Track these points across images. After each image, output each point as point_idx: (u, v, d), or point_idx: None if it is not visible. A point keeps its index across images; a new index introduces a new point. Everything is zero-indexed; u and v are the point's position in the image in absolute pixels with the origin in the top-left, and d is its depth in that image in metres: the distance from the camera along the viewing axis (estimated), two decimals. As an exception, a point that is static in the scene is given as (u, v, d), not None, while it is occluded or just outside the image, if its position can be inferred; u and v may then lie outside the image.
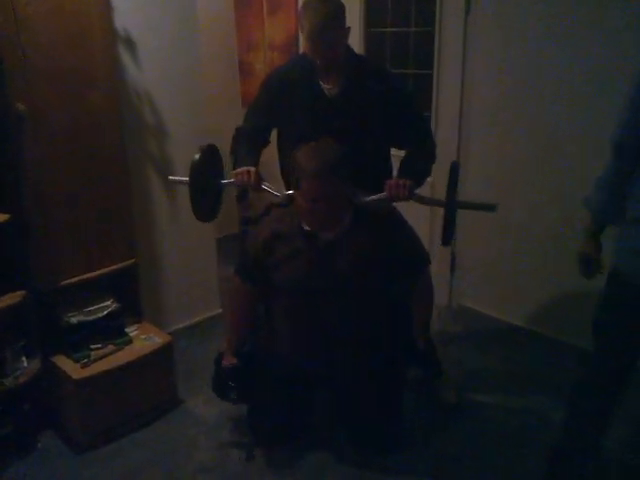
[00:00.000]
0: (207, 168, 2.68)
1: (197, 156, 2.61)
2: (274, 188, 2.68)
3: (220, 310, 4.20)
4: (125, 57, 3.29)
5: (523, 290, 3.93)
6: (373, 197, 2.50)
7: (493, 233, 3.92)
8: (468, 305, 4.23)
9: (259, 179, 2.67)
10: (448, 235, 2.46)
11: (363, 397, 2.74)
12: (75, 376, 2.87)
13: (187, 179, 2.65)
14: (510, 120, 3.66)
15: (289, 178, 2.52)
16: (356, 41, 4.26)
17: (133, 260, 3.22)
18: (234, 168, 2.77)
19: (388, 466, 2.80)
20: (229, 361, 2.62)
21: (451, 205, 2.39)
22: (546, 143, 3.51)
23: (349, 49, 2.77)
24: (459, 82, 3.88)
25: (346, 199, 2.37)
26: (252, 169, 2.67)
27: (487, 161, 3.83)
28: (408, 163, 2.72)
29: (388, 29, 4.28)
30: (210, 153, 2.69)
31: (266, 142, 2.95)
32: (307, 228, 2.42)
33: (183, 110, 3.67)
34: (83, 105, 2.88)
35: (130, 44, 3.28)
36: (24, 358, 2.91)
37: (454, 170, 2.47)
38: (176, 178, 2.86)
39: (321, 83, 2.73)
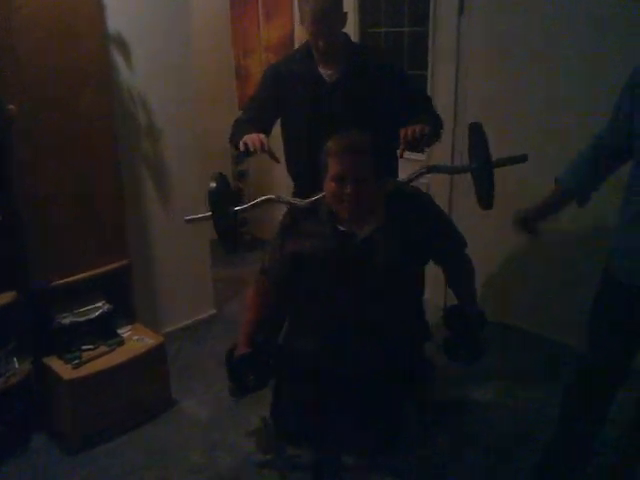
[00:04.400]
0: (221, 196, 2.48)
1: (213, 184, 2.41)
2: (296, 200, 2.53)
3: (214, 311, 4.19)
4: (117, 58, 3.29)
5: (520, 290, 3.93)
6: (408, 176, 2.43)
7: (491, 232, 3.90)
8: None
9: (267, 146, 2.56)
10: (490, 197, 2.36)
11: (382, 396, 2.69)
12: (66, 377, 2.86)
13: (208, 214, 2.45)
14: (505, 120, 3.65)
15: (295, 169, 2.61)
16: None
17: (126, 261, 3.21)
18: (236, 148, 2.71)
19: (384, 464, 2.80)
20: (239, 353, 2.51)
21: (489, 163, 2.30)
22: (541, 143, 3.50)
23: (346, 35, 2.82)
24: (453, 82, 3.87)
25: (375, 185, 2.24)
26: (261, 135, 2.57)
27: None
28: (417, 117, 2.64)
29: (382, 29, 4.28)
30: (221, 180, 2.47)
31: (268, 132, 2.87)
32: (341, 228, 2.30)
33: (176, 111, 3.67)
34: (75, 105, 2.87)
35: (123, 45, 3.28)
36: (15, 359, 2.90)
37: (478, 129, 2.36)
38: (195, 216, 2.59)
39: (320, 70, 2.76)
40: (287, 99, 2.83)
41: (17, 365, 2.90)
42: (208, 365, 3.57)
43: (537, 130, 3.52)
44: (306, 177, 2.73)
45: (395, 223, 2.29)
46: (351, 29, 4.26)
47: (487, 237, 3.95)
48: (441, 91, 3.97)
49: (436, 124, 2.76)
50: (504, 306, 3.98)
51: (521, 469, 2.73)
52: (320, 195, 2.33)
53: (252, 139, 2.54)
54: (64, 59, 2.80)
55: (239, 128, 2.79)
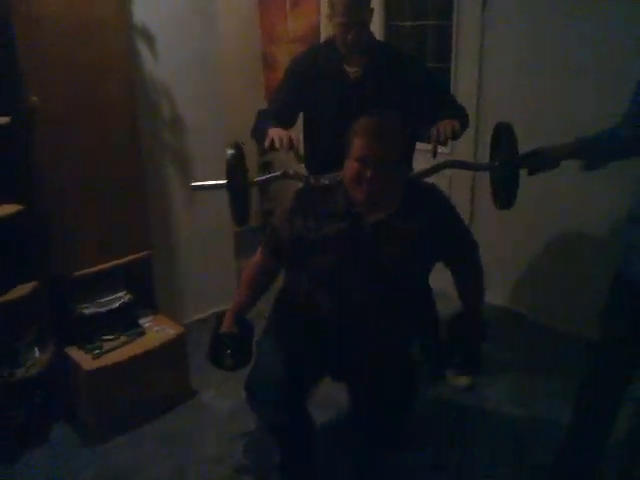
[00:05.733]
0: (237, 167, 2.48)
1: (230, 152, 2.41)
2: (313, 179, 2.53)
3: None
4: (142, 49, 3.30)
5: (532, 281, 3.92)
6: (426, 168, 2.44)
7: (503, 223, 3.88)
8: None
9: (297, 145, 2.54)
10: (512, 197, 2.38)
11: (384, 386, 2.66)
12: (87, 367, 2.88)
13: (224, 182, 2.44)
14: (528, 114, 3.62)
15: (315, 164, 2.57)
16: (376, 34, 4.17)
17: (148, 251, 3.22)
18: (260, 144, 2.68)
19: (396, 456, 2.81)
20: (228, 328, 2.48)
21: (514, 164, 2.32)
22: (566, 136, 3.45)
23: (371, 33, 2.81)
24: (476, 75, 3.85)
25: (397, 173, 2.20)
26: (290, 132, 2.55)
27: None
28: (444, 112, 2.66)
29: (407, 23, 4.24)
30: (238, 150, 2.47)
31: (291, 126, 2.86)
32: (354, 209, 2.24)
33: (201, 102, 3.67)
34: (98, 97, 2.88)
35: (147, 36, 3.28)
36: (36, 349, 2.93)
37: (507, 129, 2.37)
38: (204, 183, 2.55)
39: (345, 67, 2.77)
40: (311, 95, 2.83)
41: (38, 355, 2.92)
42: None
43: (563, 125, 3.47)
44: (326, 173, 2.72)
45: (408, 213, 2.25)
46: (375, 22, 4.23)
47: (497, 227, 3.93)
48: (464, 85, 3.94)
49: (463, 118, 2.74)
50: (518, 297, 4.00)
51: (529, 461, 2.73)
52: (337, 174, 2.30)
53: (279, 135, 2.51)
54: (87, 50, 2.80)
55: (262, 122, 2.78)
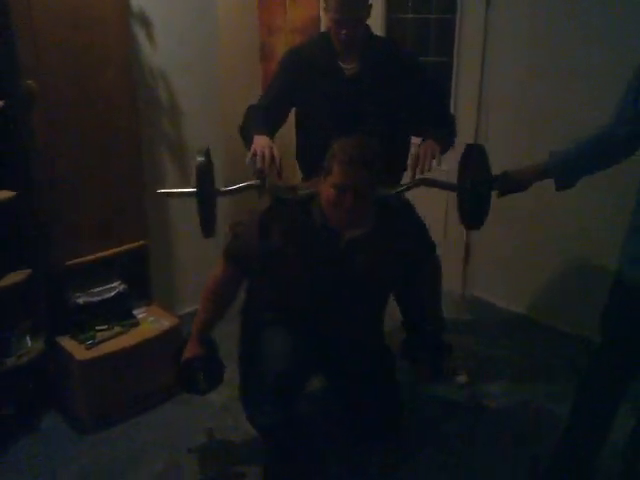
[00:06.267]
0: (207, 174, 2.39)
1: (201, 159, 2.32)
2: (287, 192, 2.42)
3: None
4: (140, 35, 3.25)
5: (536, 282, 3.90)
6: (395, 188, 2.43)
7: (508, 224, 3.87)
8: (481, 296, 4.19)
9: (279, 168, 2.46)
10: (483, 217, 2.41)
11: (363, 382, 2.66)
12: (79, 357, 2.85)
13: (193, 190, 2.35)
14: (530, 109, 3.60)
15: (307, 161, 2.53)
16: (377, 26, 4.18)
17: (143, 241, 3.19)
18: (246, 145, 2.60)
19: (398, 452, 2.81)
20: (194, 352, 2.42)
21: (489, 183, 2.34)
22: (567, 134, 3.43)
23: (368, 28, 2.75)
24: (479, 70, 3.81)
25: (373, 197, 2.23)
26: (275, 150, 2.45)
27: (505, 151, 3.75)
28: (430, 130, 2.65)
29: (409, 15, 4.20)
30: (207, 157, 2.38)
31: (282, 121, 2.85)
32: (330, 226, 2.25)
33: (198, 90, 3.63)
34: (95, 83, 2.84)
35: (145, 22, 3.24)
36: (28, 338, 2.89)
37: (479, 151, 2.38)
38: (172, 190, 2.53)
39: (340, 63, 2.71)
40: (305, 90, 2.77)
41: (30, 344, 2.88)
42: (223, 348, 3.54)
43: (564, 121, 3.45)
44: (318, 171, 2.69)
45: (382, 230, 2.30)
46: (376, 14, 4.20)
47: (502, 228, 3.91)
48: (466, 80, 3.92)
49: (449, 135, 2.74)
50: (522, 298, 3.97)
51: (531, 460, 2.72)
52: (313, 190, 2.28)
53: (262, 149, 2.43)
54: (84, 36, 2.76)
55: (252, 119, 2.73)
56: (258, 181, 2.43)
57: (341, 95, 2.70)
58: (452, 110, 3.97)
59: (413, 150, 2.54)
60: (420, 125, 2.78)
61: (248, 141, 2.56)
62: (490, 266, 4.08)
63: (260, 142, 2.48)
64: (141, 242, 3.17)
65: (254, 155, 2.43)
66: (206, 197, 2.33)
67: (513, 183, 2.41)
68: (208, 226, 2.42)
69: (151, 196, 3.33)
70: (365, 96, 2.69)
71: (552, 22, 3.43)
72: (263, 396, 2.34)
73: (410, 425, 2.95)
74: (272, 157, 2.42)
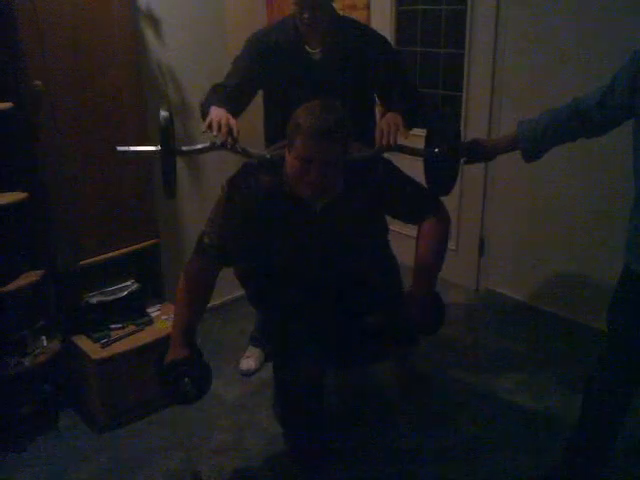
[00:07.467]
0: (169, 132, 2.19)
1: (166, 114, 2.13)
2: (255, 151, 2.30)
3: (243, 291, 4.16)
4: (147, 33, 3.26)
5: (551, 275, 3.87)
6: (363, 154, 2.33)
7: (522, 218, 3.86)
8: (496, 289, 4.17)
9: (236, 136, 2.28)
10: (451, 184, 2.40)
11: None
12: (94, 356, 2.86)
13: (153, 148, 2.20)
14: (543, 100, 3.55)
15: (279, 139, 2.38)
16: (387, 18, 4.18)
17: (155, 240, 3.20)
18: (204, 119, 2.43)
19: (408, 445, 2.81)
20: (180, 353, 2.21)
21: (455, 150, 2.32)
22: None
23: (333, 12, 2.73)
24: (491, 62, 3.77)
25: (341, 164, 2.10)
26: (231, 119, 2.31)
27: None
28: (394, 103, 2.61)
29: (419, 7, 4.18)
30: (170, 114, 2.20)
31: (245, 104, 2.76)
32: (301, 196, 2.14)
33: (208, 87, 3.61)
34: (103, 82, 2.84)
35: (152, 19, 3.24)
36: (44, 337, 2.91)
37: (451, 116, 2.43)
38: (133, 148, 2.32)
39: (306, 46, 2.70)
40: (272, 74, 2.73)
41: (45, 343, 2.90)
42: (236, 345, 3.56)
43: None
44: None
45: (353, 193, 2.22)
46: (387, 6, 4.20)
47: (516, 222, 3.90)
48: (478, 72, 3.88)
49: (414, 110, 2.65)
50: (537, 291, 3.95)
51: (543, 453, 2.71)
52: (279, 149, 2.19)
53: (219, 119, 2.29)
54: (91, 35, 2.76)
55: (215, 95, 2.62)
56: (225, 141, 2.26)
57: (308, 78, 2.69)
58: (464, 102, 3.98)
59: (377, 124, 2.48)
60: (387, 102, 2.76)
61: (204, 117, 2.46)
62: (504, 259, 4.06)
63: (216, 112, 2.36)
64: (153, 241, 3.18)
65: (209, 125, 2.30)
66: (169, 154, 2.17)
67: (481, 151, 2.39)
68: (169, 187, 2.24)
69: (161, 194, 3.34)
70: (332, 79, 2.67)
71: (567, 12, 3.39)
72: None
73: (420, 418, 2.99)
74: (229, 126, 2.27)
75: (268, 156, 2.23)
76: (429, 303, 2.30)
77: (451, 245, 4.15)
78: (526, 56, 3.62)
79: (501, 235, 4.03)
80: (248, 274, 2.54)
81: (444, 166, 2.34)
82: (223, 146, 2.25)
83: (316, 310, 2.40)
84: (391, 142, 2.35)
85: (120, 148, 2.27)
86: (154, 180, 3.16)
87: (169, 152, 2.15)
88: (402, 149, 2.39)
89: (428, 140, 2.45)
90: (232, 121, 2.31)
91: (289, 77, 2.71)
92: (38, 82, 2.60)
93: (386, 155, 2.41)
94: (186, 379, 2.16)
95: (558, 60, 3.47)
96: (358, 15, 4.12)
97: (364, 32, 2.82)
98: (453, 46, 4.04)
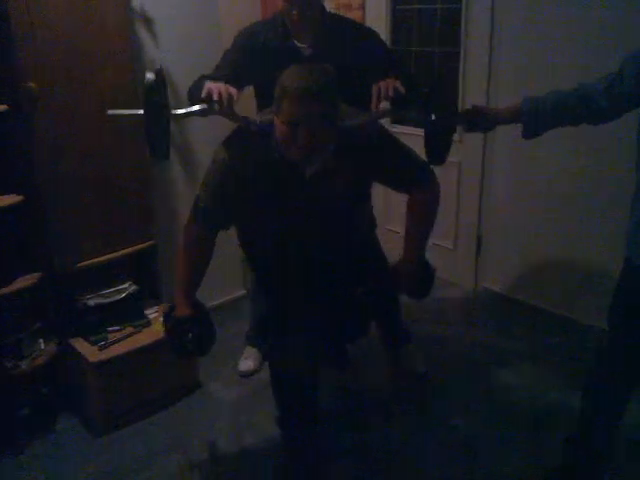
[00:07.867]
0: (157, 94, 2.12)
1: (151, 76, 2.07)
2: (246, 116, 2.28)
3: (243, 292, 4.16)
4: (142, 34, 3.25)
5: (549, 274, 3.87)
6: (358, 120, 2.27)
7: (519, 217, 3.86)
8: (493, 288, 4.16)
9: (232, 100, 2.25)
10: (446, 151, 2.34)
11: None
12: (92, 359, 2.85)
13: (138, 111, 2.13)
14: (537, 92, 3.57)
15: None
16: (382, 18, 4.19)
17: (152, 241, 3.19)
18: (192, 99, 2.45)
19: (408, 445, 2.81)
20: (184, 311, 2.33)
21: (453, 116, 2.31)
22: (580, 129, 3.41)
23: (322, 8, 2.73)
24: (486, 61, 3.77)
25: (331, 128, 2.05)
26: (230, 87, 2.26)
27: (515, 135, 3.75)
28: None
29: (414, 5, 4.17)
30: (159, 76, 2.13)
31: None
32: (291, 161, 2.11)
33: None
34: (97, 83, 2.83)
35: (148, 21, 3.23)
36: (41, 340, 2.91)
37: (446, 85, 2.37)
38: (121, 111, 2.36)
39: (296, 43, 2.69)
40: (261, 71, 2.67)
41: (43, 346, 2.90)
42: (236, 347, 3.55)
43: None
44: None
45: (345, 159, 2.18)
46: (383, 5, 4.20)
47: (514, 221, 3.90)
48: (474, 71, 3.89)
49: (409, 81, 2.56)
50: (535, 290, 3.95)
51: (546, 452, 2.70)
52: (270, 114, 2.12)
53: (219, 88, 2.23)
54: (85, 36, 2.75)
55: (206, 77, 2.57)
56: (205, 106, 2.25)
57: None
58: (460, 98, 3.98)
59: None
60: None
61: (197, 93, 2.38)
62: (502, 258, 4.06)
63: (217, 84, 2.30)
64: (150, 242, 3.17)
65: (209, 93, 2.24)
66: (155, 118, 2.09)
67: (481, 118, 2.32)
68: (159, 149, 2.15)
69: (158, 196, 3.34)
70: None
71: (563, 10, 3.38)
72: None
73: (419, 418, 2.99)
74: (229, 94, 2.24)
75: (258, 121, 2.21)
76: (419, 270, 2.38)
77: (449, 244, 4.17)
78: (521, 54, 3.62)
79: (499, 234, 4.03)
80: (248, 239, 2.56)
81: (439, 132, 2.28)
82: (218, 105, 2.23)
83: (310, 279, 2.40)
84: (390, 93, 2.33)
85: (111, 112, 2.31)
86: (151, 182, 3.16)
87: (157, 110, 2.09)
88: (396, 113, 2.41)
89: (425, 108, 2.33)
90: (232, 89, 2.27)
91: (279, 73, 2.69)
92: (32, 84, 2.60)
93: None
94: (190, 335, 2.30)
95: (554, 58, 3.46)
96: (353, 15, 4.13)
97: (353, 26, 2.83)
98: (448, 44, 4.04)
